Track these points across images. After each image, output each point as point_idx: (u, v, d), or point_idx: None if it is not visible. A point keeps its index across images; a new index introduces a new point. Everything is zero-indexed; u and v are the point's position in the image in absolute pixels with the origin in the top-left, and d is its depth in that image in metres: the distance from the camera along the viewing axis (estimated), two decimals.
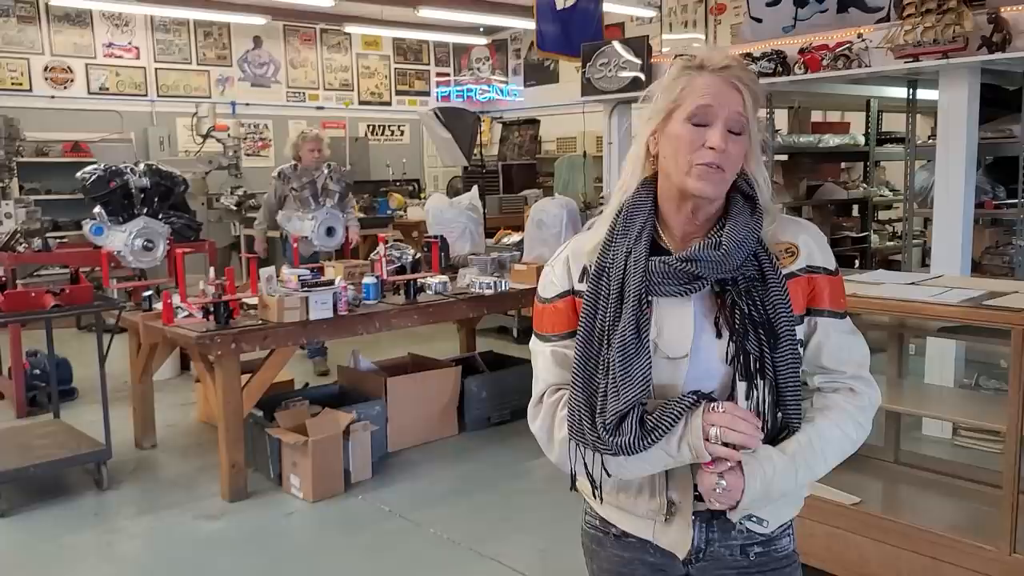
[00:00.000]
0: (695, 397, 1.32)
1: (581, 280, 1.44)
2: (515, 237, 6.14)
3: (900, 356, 3.25)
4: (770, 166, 5.53)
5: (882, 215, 7.50)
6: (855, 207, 7.14)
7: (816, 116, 8.12)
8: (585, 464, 1.38)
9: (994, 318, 2.47)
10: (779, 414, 1.37)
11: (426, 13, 9.88)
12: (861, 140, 6.61)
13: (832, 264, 1.45)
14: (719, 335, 1.37)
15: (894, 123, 6.70)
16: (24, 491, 4.05)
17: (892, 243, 6.68)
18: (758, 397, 1.35)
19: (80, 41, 9.73)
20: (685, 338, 1.37)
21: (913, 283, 2.95)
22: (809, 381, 1.46)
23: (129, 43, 10.05)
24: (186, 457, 4.60)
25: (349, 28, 11.40)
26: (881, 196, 6.96)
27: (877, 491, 3.20)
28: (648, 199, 1.41)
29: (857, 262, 6.56)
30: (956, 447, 4.42)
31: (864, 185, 6.88)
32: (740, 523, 1.40)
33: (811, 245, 1.43)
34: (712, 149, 1.33)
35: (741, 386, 1.36)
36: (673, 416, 1.31)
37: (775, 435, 1.39)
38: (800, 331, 1.41)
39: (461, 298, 4.73)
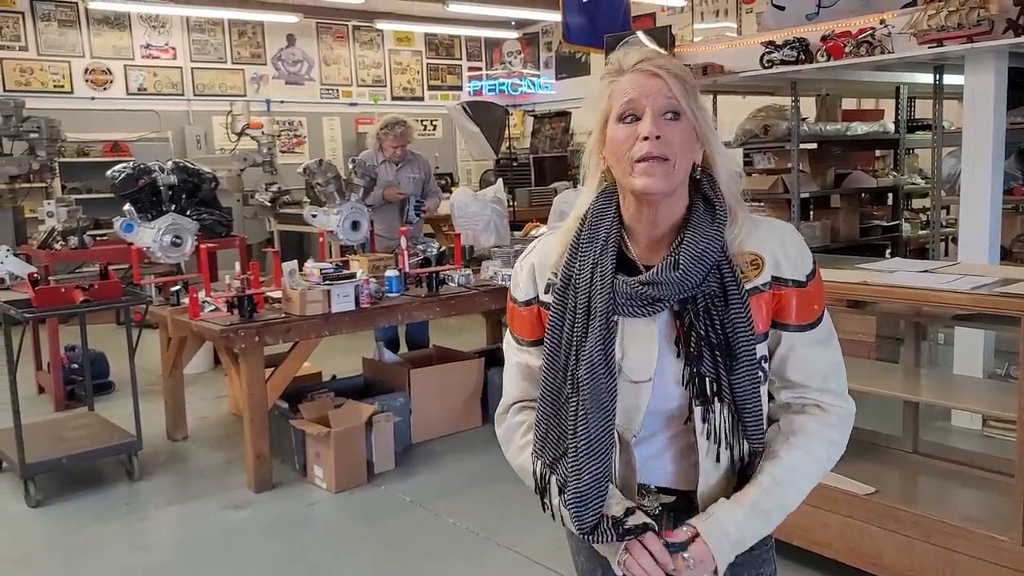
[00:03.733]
0: (635, 533, 1.32)
1: (547, 292, 1.43)
2: (543, 229, 6.15)
3: (917, 345, 3.21)
4: (795, 155, 5.47)
5: (916, 203, 7.37)
6: (889, 195, 7.03)
7: (850, 104, 8.00)
8: (545, 482, 1.41)
9: (1002, 304, 2.43)
10: (743, 439, 1.36)
11: (456, 8, 9.92)
12: (891, 128, 6.50)
13: (802, 274, 1.37)
14: (679, 356, 1.35)
15: (927, 110, 6.58)
16: (58, 482, 4.19)
17: (924, 231, 6.56)
18: (715, 421, 1.33)
19: (119, 43, 9.95)
20: (649, 361, 1.35)
21: (927, 271, 2.91)
22: (776, 395, 1.42)
23: (166, 44, 10.25)
24: (215, 448, 4.71)
25: (381, 24, 11.48)
26: (913, 184, 6.83)
27: (893, 481, 3.16)
28: (611, 206, 1.40)
29: (888, 251, 6.46)
30: (986, 438, 4.35)
31: (894, 173, 6.76)
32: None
33: (777, 254, 1.36)
34: (646, 139, 1.30)
35: (698, 410, 1.34)
36: (610, 536, 1.33)
37: (743, 460, 1.38)
38: (763, 347, 1.37)
39: (483, 290, 4.77)
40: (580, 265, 1.38)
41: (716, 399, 1.33)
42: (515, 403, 1.51)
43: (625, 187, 1.36)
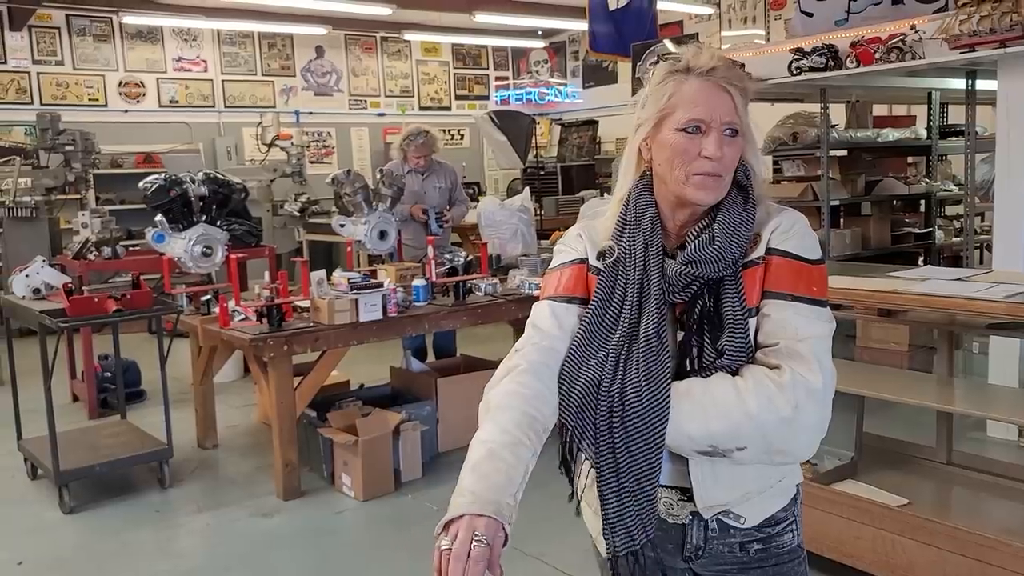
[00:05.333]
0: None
1: (599, 259, 1.44)
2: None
3: (950, 354, 3.16)
4: (825, 162, 5.42)
5: (949, 210, 7.27)
6: (922, 202, 6.94)
7: (881, 110, 7.92)
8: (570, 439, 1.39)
9: None
10: None
11: (483, 18, 9.97)
12: (923, 134, 6.42)
13: (802, 251, 1.36)
14: (679, 329, 1.38)
15: (960, 115, 6.50)
16: (91, 489, 4.24)
17: (958, 239, 6.47)
18: None
19: (152, 56, 10.12)
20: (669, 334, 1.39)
21: (960, 279, 2.87)
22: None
23: (197, 56, 10.41)
24: (245, 457, 4.75)
25: (408, 35, 11.58)
26: (946, 191, 6.73)
27: (926, 493, 3.10)
28: (651, 193, 1.43)
29: (921, 259, 6.38)
30: (1022, 449, 4.28)
31: (927, 180, 6.68)
32: (713, 519, 1.40)
33: (778, 230, 1.37)
34: (709, 159, 1.32)
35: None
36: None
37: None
38: (754, 323, 1.36)
39: (510, 299, 4.77)
40: (630, 241, 1.40)
41: (700, 371, 1.33)
42: (513, 363, 1.41)
43: (672, 190, 1.38)
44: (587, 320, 1.39)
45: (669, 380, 1.31)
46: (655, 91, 1.38)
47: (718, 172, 1.34)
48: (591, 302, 1.41)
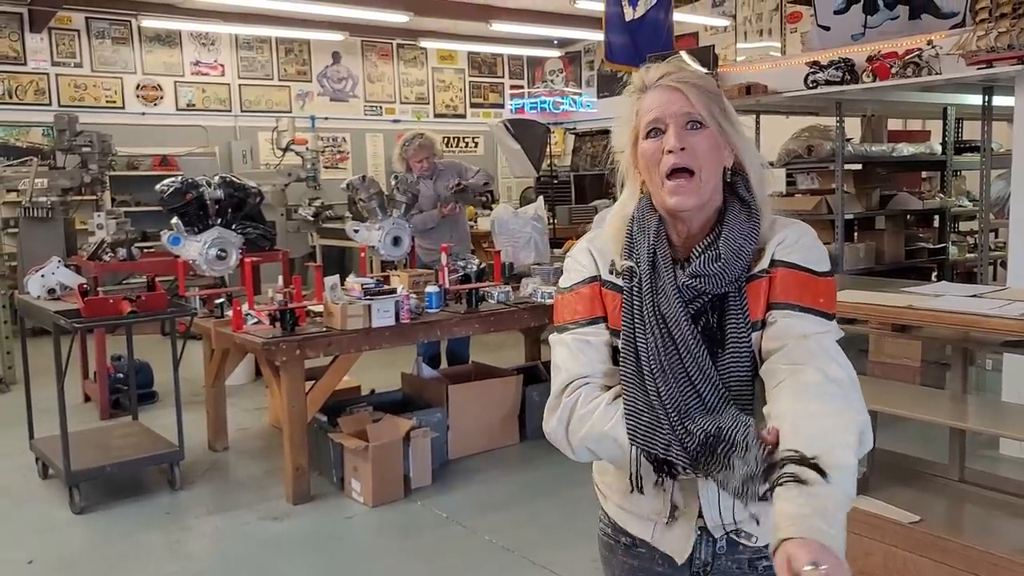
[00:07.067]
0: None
1: (610, 273, 1.44)
2: None
3: (964, 371, 3.15)
4: (840, 176, 5.41)
5: (963, 226, 7.24)
6: (936, 217, 6.92)
7: (896, 124, 7.90)
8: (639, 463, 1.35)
9: None
10: None
11: (499, 27, 10.01)
12: (938, 149, 6.40)
13: (805, 261, 1.36)
14: None
15: (976, 131, 6.49)
16: (101, 489, 4.26)
17: (972, 255, 6.45)
18: None
19: (169, 60, 10.19)
20: None
21: (975, 295, 2.86)
22: (762, 374, 1.35)
23: (215, 60, 10.48)
24: (255, 460, 4.76)
25: (425, 43, 11.63)
26: (960, 206, 6.71)
27: (939, 510, 3.09)
28: (652, 207, 1.42)
29: (935, 274, 6.35)
30: None
31: (941, 195, 6.66)
32: (722, 538, 1.39)
33: (779, 243, 1.37)
34: (670, 152, 1.34)
35: None
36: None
37: None
38: (758, 337, 1.36)
39: (522, 307, 4.78)
40: (638, 252, 1.40)
41: None
42: (571, 382, 1.40)
43: (658, 201, 1.39)
44: (626, 346, 1.38)
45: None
46: (627, 114, 1.42)
47: (685, 163, 1.33)
48: (622, 330, 1.39)
